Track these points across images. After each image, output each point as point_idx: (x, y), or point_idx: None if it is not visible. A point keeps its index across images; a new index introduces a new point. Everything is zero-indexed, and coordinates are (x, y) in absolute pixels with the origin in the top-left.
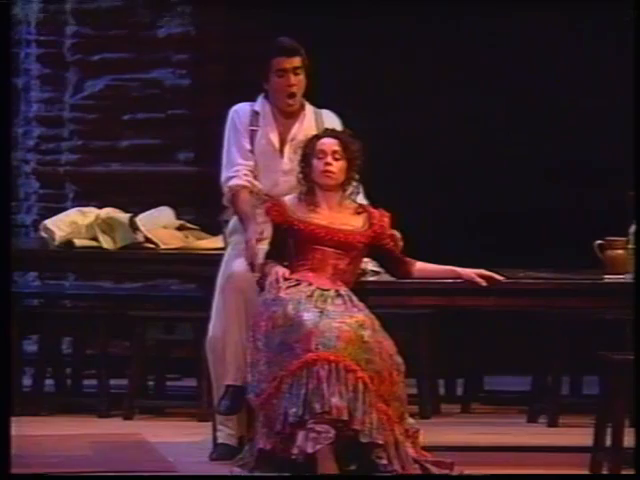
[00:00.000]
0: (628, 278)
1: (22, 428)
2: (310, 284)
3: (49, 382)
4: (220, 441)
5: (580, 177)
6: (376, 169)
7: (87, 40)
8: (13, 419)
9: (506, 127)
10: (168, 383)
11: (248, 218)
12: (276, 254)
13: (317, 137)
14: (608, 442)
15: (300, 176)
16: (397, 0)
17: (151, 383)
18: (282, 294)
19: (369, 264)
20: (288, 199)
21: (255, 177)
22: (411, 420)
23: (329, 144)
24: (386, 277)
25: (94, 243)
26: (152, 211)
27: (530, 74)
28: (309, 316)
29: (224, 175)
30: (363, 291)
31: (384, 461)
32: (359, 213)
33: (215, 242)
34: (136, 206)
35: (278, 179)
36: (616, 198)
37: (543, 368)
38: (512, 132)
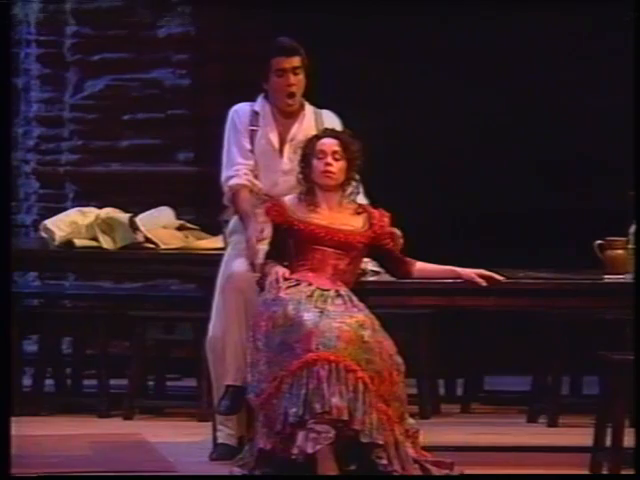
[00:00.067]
0: (628, 278)
1: (22, 428)
2: (310, 284)
3: (49, 382)
4: (220, 441)
5: (580, 177)
6: (376, 169)
7: (87, 40)
8: (13, 419)
9: (506, 127)
10: (168, 383)
11: (248, 217)
12: (276, 254)
13: (317, 137)
14: (608, 442)
15: (300, 176)
16: (397, 0)
17: (151, 383)
18: (282, 294)
19: (369, 264)
20: (288, 199)
21: (255, 176)
22: (411, 420)
23: (329, 144)
24: (386, 277)
25: (94, 243)
26: (152, 211)
27: (530, 74)
28: (309, 316)
29: (224, 174)
30: (363, 291)
31: (384, 461)
32: (359, 213)
33: (215, 242)
34: (136, 206)
35: (278, 179)
36: (616, 198)
37: (543, 368)
38: (512, 132)
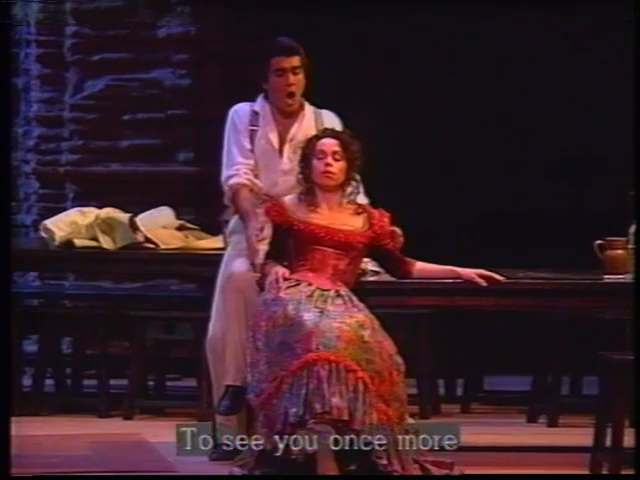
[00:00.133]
0: (628, 278)
1: (22, 428)
2: (310, 284)
3: (49, 382)
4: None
5: (580, 177)
6: (376, 169)
7: (87, 40)
8: (13, 419)
9: (506, 127)
10: (168, 383)
11: (249, 216)
12: (276, 254)
13: (317, 137)
14: (608, 442)
15: (300, 176)
16: (397, 0)
17: (151, 383)
18: (282, 294)
19: (369, 264)
20: (288, 199)
21: (255, 176)
22: (411, 420)
23: (329, 144)
24: (386, 277)
25: (94, 243)
26: (152, 211)
27: (530, 74)
28: (309, 316)
29: (224, 174)
30: (363, 291)
31: (384, 461)
32: (359, 213)
33: (215, 242)
34: (136, 206)
35: (277, 179)
36: (616, 198)
37: (543, 368)
38: (512, 132)
